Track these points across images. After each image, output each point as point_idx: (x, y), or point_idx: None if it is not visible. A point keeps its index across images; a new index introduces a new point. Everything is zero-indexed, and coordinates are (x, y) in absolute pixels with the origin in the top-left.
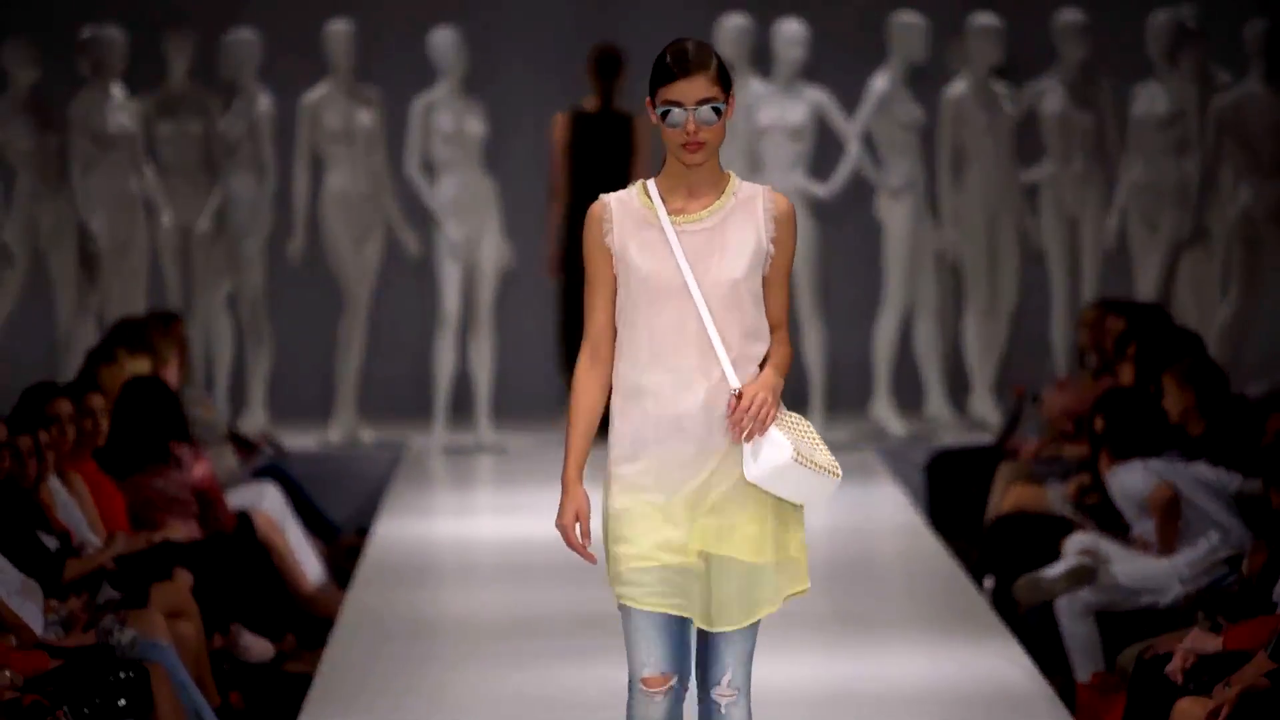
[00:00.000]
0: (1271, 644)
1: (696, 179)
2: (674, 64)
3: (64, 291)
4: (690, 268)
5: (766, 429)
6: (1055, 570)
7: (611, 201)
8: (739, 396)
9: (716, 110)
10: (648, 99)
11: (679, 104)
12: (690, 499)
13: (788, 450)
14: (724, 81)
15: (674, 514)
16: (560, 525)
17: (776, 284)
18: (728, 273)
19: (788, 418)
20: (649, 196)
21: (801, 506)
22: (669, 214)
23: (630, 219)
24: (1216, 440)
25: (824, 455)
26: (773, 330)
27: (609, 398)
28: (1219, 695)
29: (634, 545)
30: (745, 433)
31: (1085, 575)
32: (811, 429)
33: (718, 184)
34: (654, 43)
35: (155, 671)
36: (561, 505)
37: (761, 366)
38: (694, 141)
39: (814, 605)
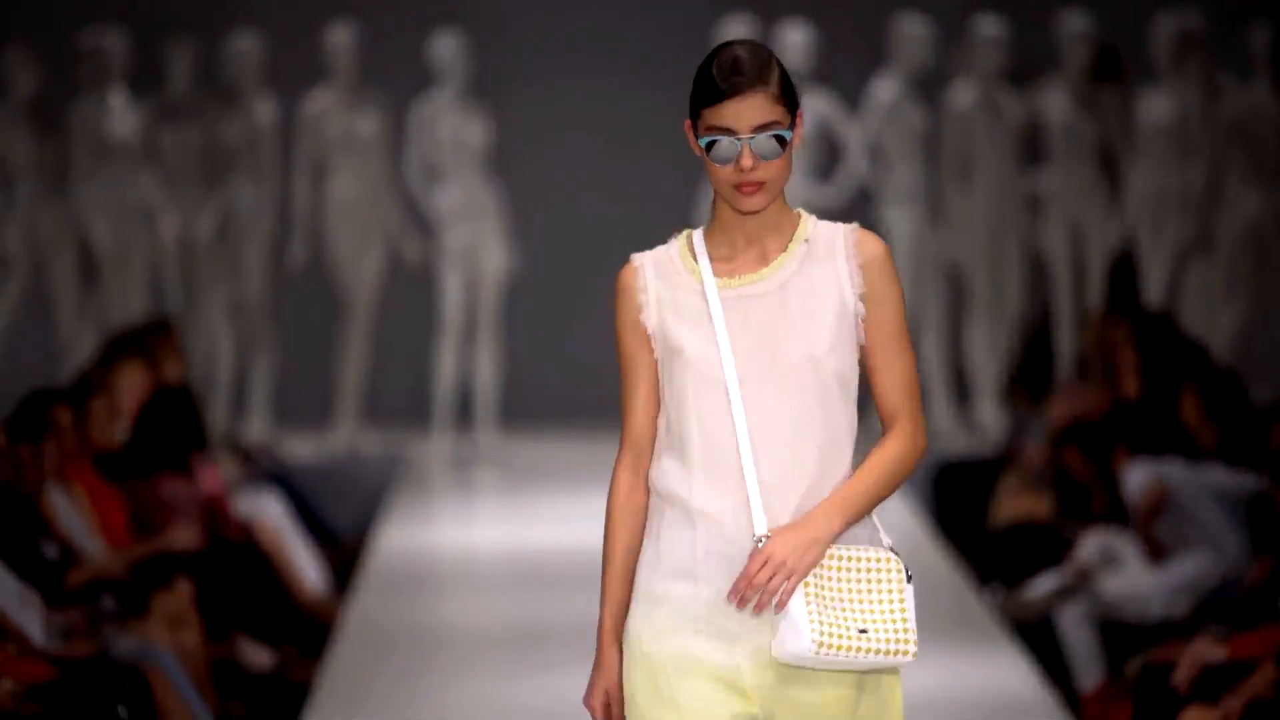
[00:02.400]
0: (1279, 653)
1: (756, 227)
2: (722, 78)
3: (64, 298)
4: (745, 347)
5: (784, 603)
6: (1042, 588)
7: (645, 264)
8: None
9: (780, 139)
10: (687, 122)
11: (729, 131)
12: (752, 654)
13: (805, 639)
14: (789, 99)
15: (731, 674)
16: (588, 705)
17: (884, 354)
18: (801, 350)
19: (852, 565)
20: (693, 253)
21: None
22: (720, 275)
23: (670, 285)
24: (1230, 449)
25: (891, 629)
26: (888, 420)
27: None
28: (1226, 704)
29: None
30: (752, 604)
31: (1072, 592)
32: (894, 577)
33: (784, 231)
34: (658, 45)
35: (156, 680)
36: (591, 678)
37: None
38: (750, 181)
39: None
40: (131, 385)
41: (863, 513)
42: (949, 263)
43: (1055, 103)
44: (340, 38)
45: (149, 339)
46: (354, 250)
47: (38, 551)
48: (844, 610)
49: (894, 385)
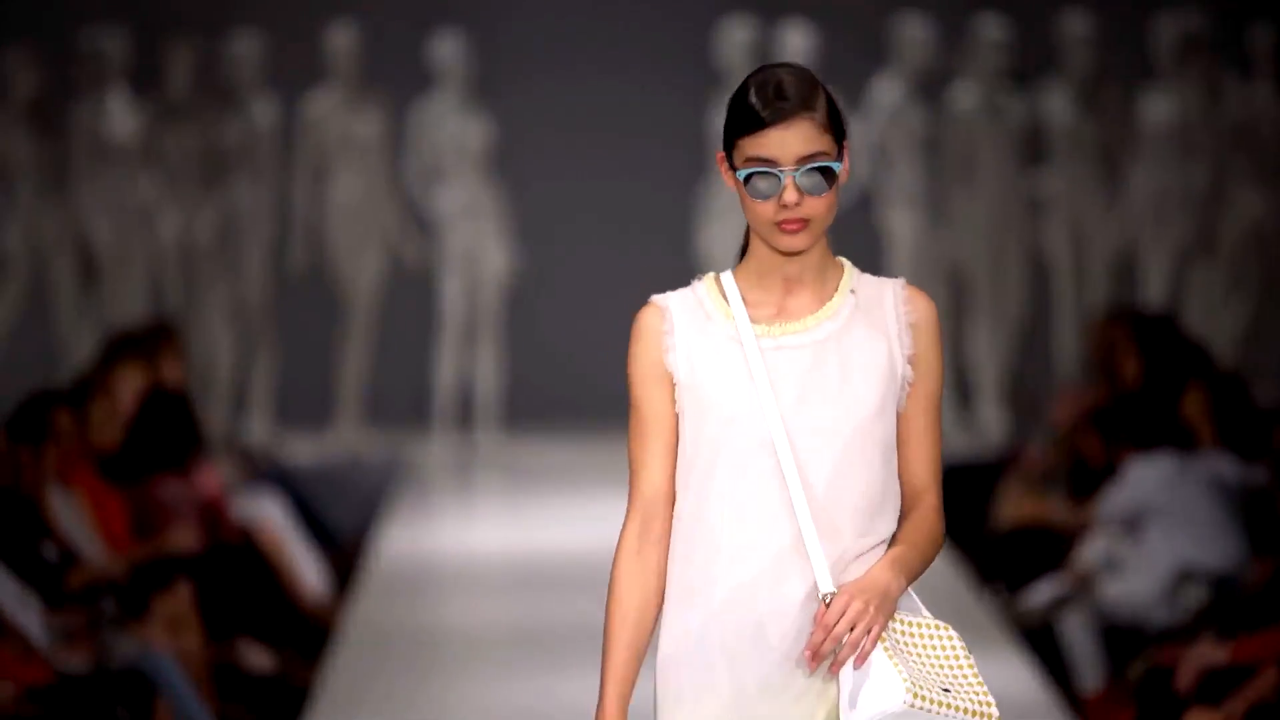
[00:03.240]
0: None
1: (796, 270)
2: (763, 103)
3: (64, 299)
4: (784, 403)
5: (865, 655)
6: (1043, 595)
7: (670, 305)
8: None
9: (827, 172)
10: (719, 154)
11: (770, 163)
12: None
13: (899, 691)
14: (836, 127)
15: None
16: None
17: (920, 425)
18: (846, 410)
19: (915, 630)
20: (724, 296)
21: None
22: (755, 322)
23: (699, 331)
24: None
25: (970, 691)
26: (913, 496)
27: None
28: (1228, 707)
29: None
30: (830, 662)
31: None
32: (957, 644)
33: (827, 277)
34: (659, 45)
35: (156, 683)
36: None
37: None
38: (793, 219)
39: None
40: (130, 387)
41: (914, 578)
42: (950, 264)
43: (1057, 104)
44: (340, 38)
45: (149, 341)
46: (354, 252)
47: (37, 553)
48: (922, 668)
49: (927, 459)
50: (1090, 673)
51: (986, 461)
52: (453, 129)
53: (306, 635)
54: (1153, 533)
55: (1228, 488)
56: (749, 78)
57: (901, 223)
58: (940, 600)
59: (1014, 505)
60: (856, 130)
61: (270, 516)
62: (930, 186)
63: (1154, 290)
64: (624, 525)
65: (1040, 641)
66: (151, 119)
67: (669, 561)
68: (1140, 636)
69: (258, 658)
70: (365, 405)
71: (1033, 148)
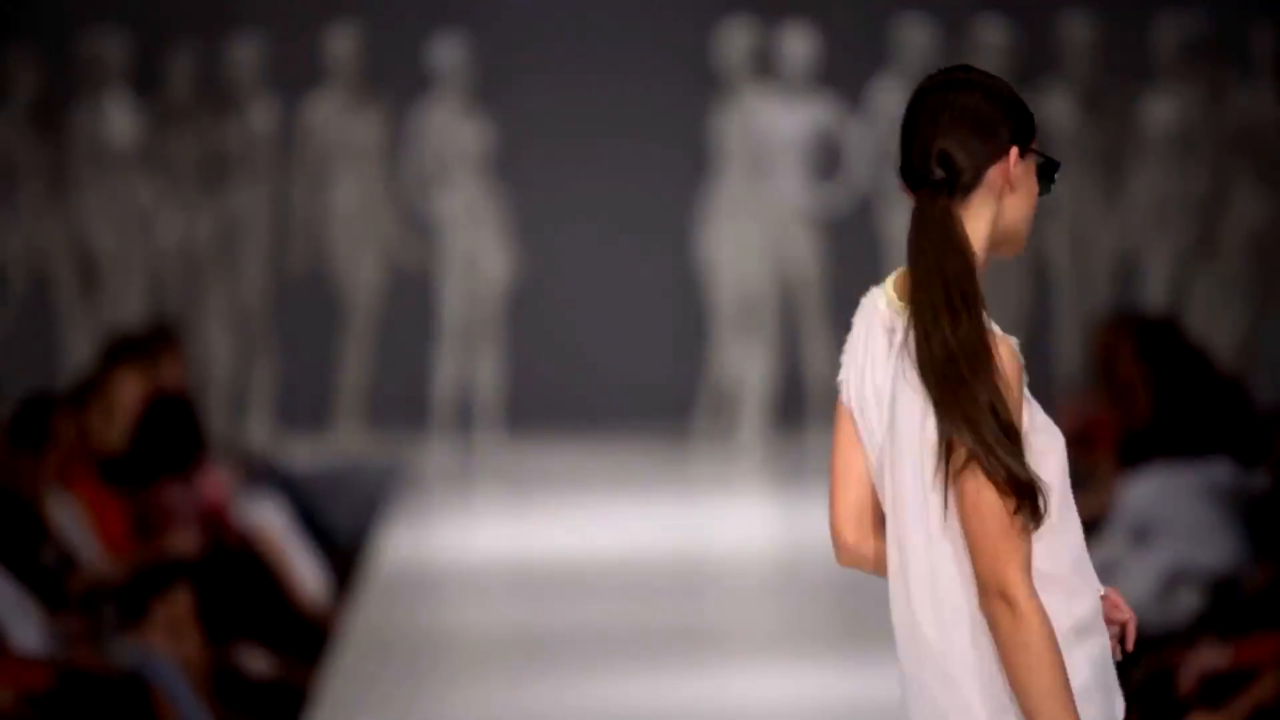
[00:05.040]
0: None
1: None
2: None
3: (64, 303)
4: None
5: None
6: None
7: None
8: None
9: None
10: (1013, 149)
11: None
12: None
13: None
14: None
15: None
16: None
17: None
18: None
19: None
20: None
21: None
22: None
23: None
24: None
25: None
26: None
27: None
28: (1230, 711)
29: None
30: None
31: None
32: None
33: None
34: (659, 47)
35: (155, 688)
36: None
37: None
38: None
39: (825, 620)
40: (130, 391)
41: None
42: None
43: (1058, 106)
44: (340, 42)
45: (149, 345)
46: (353, 255)
47: (37, 558)
48: None
49: None
50: None
51: None
52: (453, 132)
53: (306, 639)
54: (1155, 541)
55: (1227, 492)
56: (1006, 83)
57: (902, 226)
58: None
59: None
60: (857, 134)
61: (270, 520)
62: None
63: (1155, 294)
64: (1020, 571)
65: None
66: (151, 122)
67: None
68: (1140, 640)
69: (258, 662)
70: (366, 408)
71: None
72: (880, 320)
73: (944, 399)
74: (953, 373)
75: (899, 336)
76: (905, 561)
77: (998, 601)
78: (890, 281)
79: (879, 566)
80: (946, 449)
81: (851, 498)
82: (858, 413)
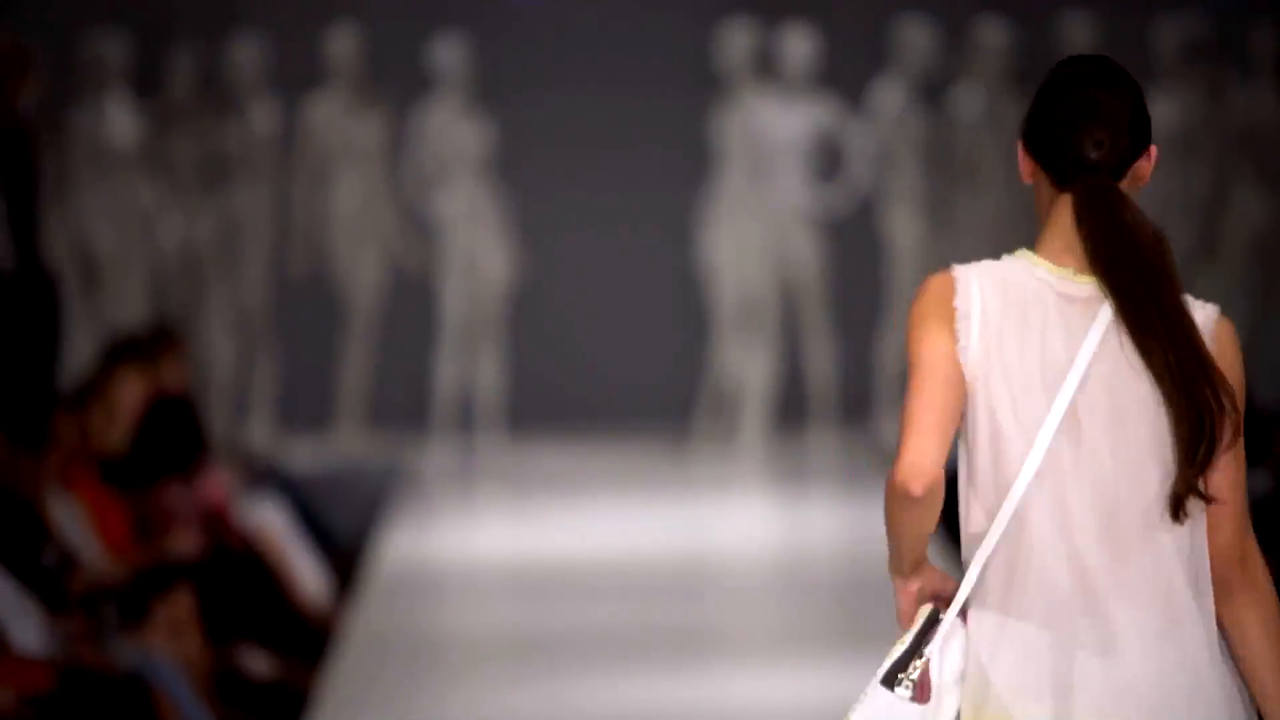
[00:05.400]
0: None
1: None
2: None
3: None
4: None
5: None
6: None
7: None
8: None
9: None
10: (1152, 147)
11: None
12: None
13: None
14: None
15: None
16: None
17: None
18: None
19: None
20: None
21: None
22: None
23: None
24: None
25: None
26: None
27: None
28: None
29: None
30: None
31: None
32: None
33: None
34: (660, 48)
35: (156, 689)
36: None
37: None
38: None
39: (826, 621)
40: (131, 392)
41: None
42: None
43: None
44: (341, 43)
45: (150, 346)
46: (354, 256)
47: (38, 559)
48: None
49: None
50: None
51: None
52: (453, 133)
53: (307, 640)
54: None
55: None
56: None
57: (904, 227)
58: None
59: None
60: (858, 134)
61: (271, 521)
62: (932, 190)
63: None
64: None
65: None
66: (152, 123)
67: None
68: None
69: (258, 663)
70: (367, 409)
71: None
72: (1045, 291)
73: (1195, 378)
74: (1196, 353)
75: (1106, 313)
76: (1104, 532)
77: (1239, 568)
78: (1031, 254)
79: (931, 523)
80: (1211, 425)
81: (935, 443)
82: (981, 380)
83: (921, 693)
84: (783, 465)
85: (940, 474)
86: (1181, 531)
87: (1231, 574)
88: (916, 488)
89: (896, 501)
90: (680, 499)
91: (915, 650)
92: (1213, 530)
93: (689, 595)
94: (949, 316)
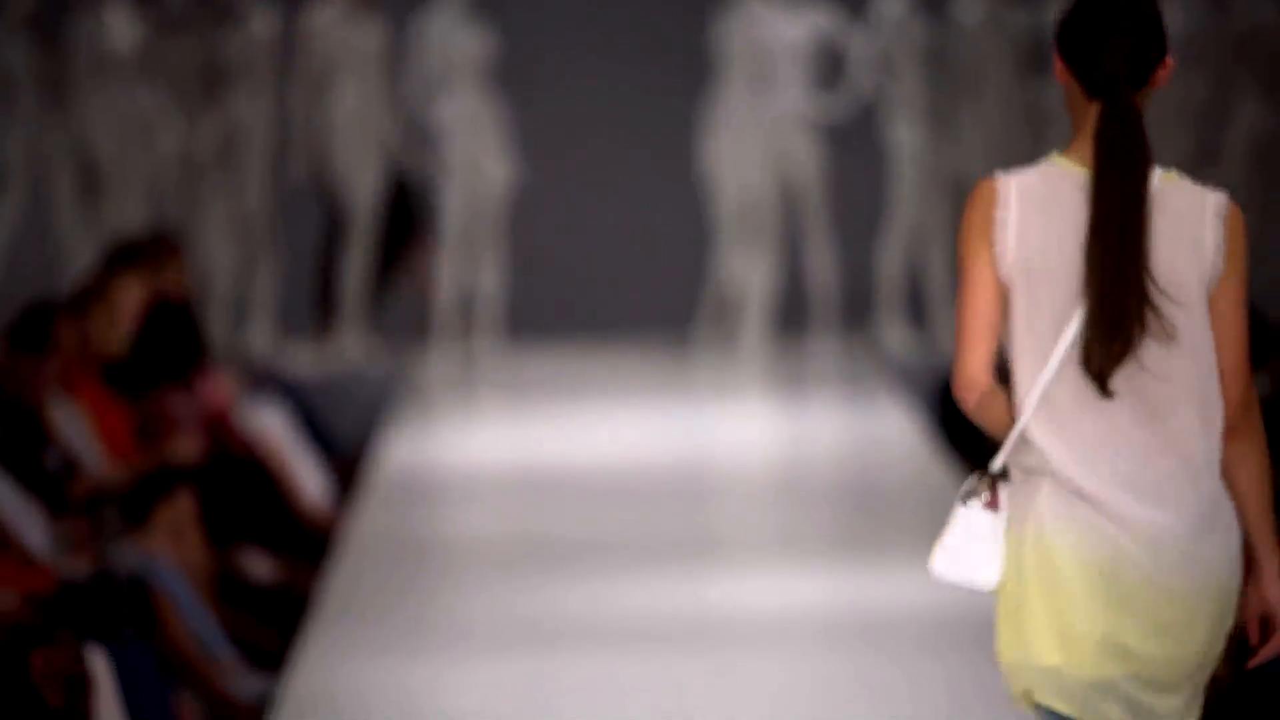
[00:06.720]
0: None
1: None
2: None
3: (64, 211)
4: None
5: None
6: None
7: None
8: None
9: None
10: (1168, 58)
11: None
12: None
13: (994, 576)
14: None
15: None
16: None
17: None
18: None
19: None
20: None
21: None
22: None
23: None
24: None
25: None
26: None
27: None
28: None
29: None
30: None
31: None
32: None
33: None
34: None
35: (158, 592)
36: None
37: None
38: None
39: (826, 525)
40: (132, 297)
41: None
42: (954, 177)
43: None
44: None
45: (151, 251)
46: (354, 164)
47: (40, 463)
48: None
49: None
50: None
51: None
52: (454, 40)
53: (308, 545)
54: None
55: None
56: None
57: (906, 136)
58: (942, 510)
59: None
60: (859, 42)
61: (272, 426)
62: (935, 99)
63: None
64: None
65: None
66: (151, 31)
67: None
68: None
69: (260, 566)
70: (368, 315)
71: (1038, 60)
72: (1076, 193)
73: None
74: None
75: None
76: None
77: (1246, 411)
78: (1062, 157)
79: (1002, 413)
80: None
81: (985, 349)
82: (1022, 275)
83: (994, 501)
84: (783, 371)
85: (989, 380)
86: (1189, 371)
87: (1238, 419)
88: (970, 400)
89: (963, 409)
90: (681, 405)
91: (985, 472)
92: (1225, 385)
93: (690, 500)
94: (990, 227)
